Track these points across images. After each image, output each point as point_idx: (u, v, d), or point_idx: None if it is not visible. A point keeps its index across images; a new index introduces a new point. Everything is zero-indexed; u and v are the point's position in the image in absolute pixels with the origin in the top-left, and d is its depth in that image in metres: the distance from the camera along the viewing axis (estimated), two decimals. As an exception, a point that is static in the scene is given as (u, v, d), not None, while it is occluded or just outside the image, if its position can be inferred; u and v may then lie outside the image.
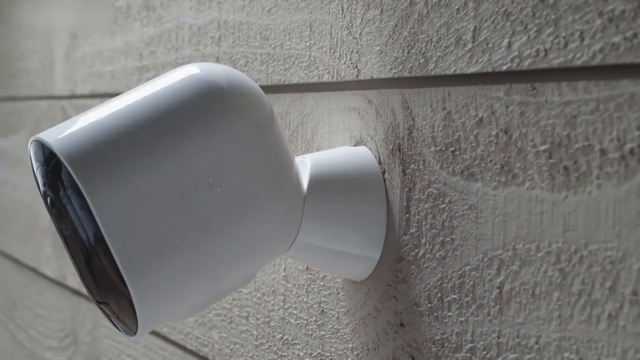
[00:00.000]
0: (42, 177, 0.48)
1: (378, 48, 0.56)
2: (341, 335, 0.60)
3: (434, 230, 0.51)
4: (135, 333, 0.48)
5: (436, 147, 0.51)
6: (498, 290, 0.47)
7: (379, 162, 0.56)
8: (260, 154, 0.49)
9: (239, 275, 0.51)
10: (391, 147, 0.55)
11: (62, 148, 0.46)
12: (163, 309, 0.48)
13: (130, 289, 0.46)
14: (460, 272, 0.49)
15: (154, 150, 0.47)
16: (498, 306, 0.47)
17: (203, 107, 0.48)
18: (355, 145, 0.59)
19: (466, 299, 0.49)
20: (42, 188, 0.48)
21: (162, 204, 0.46)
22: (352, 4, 0.59)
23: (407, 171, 0.54)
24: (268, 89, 0.70)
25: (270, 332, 0.69)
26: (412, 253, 0.53)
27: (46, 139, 0.47)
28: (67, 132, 0.48)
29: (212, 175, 0.48)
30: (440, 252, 0.51)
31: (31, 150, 0.49)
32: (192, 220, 0.47)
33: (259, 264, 0.51)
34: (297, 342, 0.65)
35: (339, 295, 0.60)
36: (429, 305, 0.52)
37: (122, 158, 0.47)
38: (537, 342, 0.44)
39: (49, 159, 0.48)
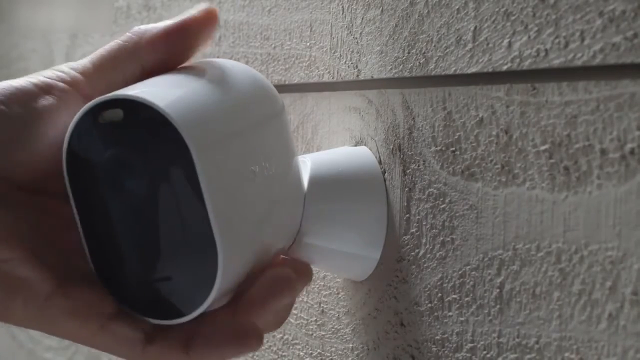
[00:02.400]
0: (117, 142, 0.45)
1: (378, 48, 0.56)
2: (341, 335, 0.60)
3: (434, 230, 0.51)
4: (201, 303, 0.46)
5: (436, 147, 0.51)
6: (498, 290, 0.47)
7: (379, 162, 0.56)
8: (280, 144, 0.51)
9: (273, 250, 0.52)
10: (391, 147, 0.55)
11: (178, 116, 0.44)
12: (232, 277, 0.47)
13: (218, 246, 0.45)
14: (460, 272, 0.49)
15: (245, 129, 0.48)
16: (498, 306, 0.47)
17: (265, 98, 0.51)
18: (356, 145, 0.59)
19: (466, 299, 0.49)
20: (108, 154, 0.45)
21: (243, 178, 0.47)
22: (352, 4, 0.59)
23: (408, 171, 0.54)
24: (268, 89, 0.70)
25: (270, 332, 0.69)
26: (413, 253, 0.53)
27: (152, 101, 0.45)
28: (172, 97, 0.46)
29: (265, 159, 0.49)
30: (440, 252, 0.51)
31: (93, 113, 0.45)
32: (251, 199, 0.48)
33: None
34: (297, 342, 0.65)
35: (339, 295, 0.60)
36: (429, 305, 0.52)
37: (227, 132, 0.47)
38: (537, 342, 0.44)
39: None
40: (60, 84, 0.48)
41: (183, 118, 0.44)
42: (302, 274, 0.52)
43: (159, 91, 0.46)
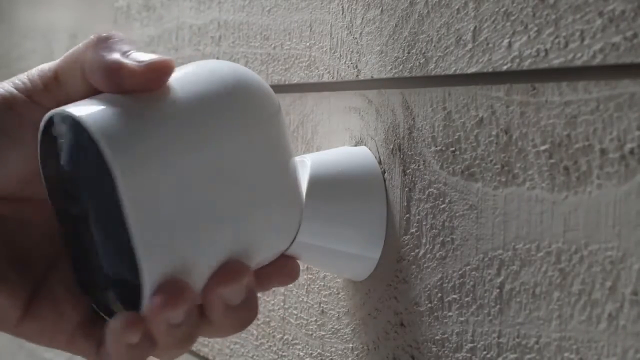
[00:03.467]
0: (70, 153, 0.48)
1: (378, 48, 0.56)
2: (341, 335, 0.60)
3: (434, 230, 0.51)
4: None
5: (436, 147, 0.51)
6: (498, 290, 0.47)
7: (379, 162, 0.56)
8: (266, 149, 0.49)
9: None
10: (391, 147, 0.55)
11: (96, 126, 0.46)
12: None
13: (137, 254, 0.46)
14: (460, 272, 0.49)
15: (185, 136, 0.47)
16: (498, 306, 0.47)
17: (233, 98, 0.49)
18: (356, 145, 0.59)
19: (466, 299, 0.49)
20: (67, 166, 0.48)
21: (181, 187, 0.47)
22: (352, 4, 0.59)
23: (408, 171, 0.54)
24: (268, 89, 0.70)
25: (270, 332, 0.69)
26: (413, 253, 0.53)
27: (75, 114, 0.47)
28: (90, 107, 0.47)
29: (224, 166, 0.48)
30: (440, 252, 0.51)
31: (53, 126, 0.48)
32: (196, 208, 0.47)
33: (255, 263, 0.51)
34: (297, 342, 0.65)
35: (339, 295, 0.60)
36: (429, 305, 0.52)
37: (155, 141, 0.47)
38: (537, 342, 0.44)
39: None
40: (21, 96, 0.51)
41: (104, 133, 0.46)
42: (286, 269, 0.52)
43: (96, 108, 0.47)
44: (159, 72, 0.48)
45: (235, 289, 0.48)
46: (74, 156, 0.48)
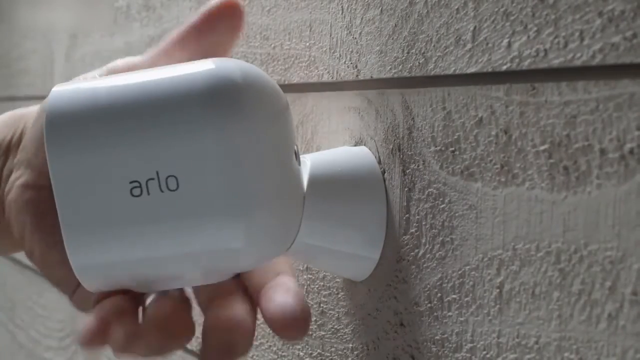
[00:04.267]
0: None
1: (378, 48, 0.56)
2: (341, 335, 0.60)
3: (433, 230, 0.51)
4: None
5: (436, 147, 0.51)
6: (498, 290, 0.47)
7: (379, 162, 0.56)
8: (269, 152, 0.49)
9: (188, 275, 0.51)
10: (391, 147, 0.55)
11: (51, 103, 0.48)
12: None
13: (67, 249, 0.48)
14: (460, 272, 0.49)
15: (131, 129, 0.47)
16: (498, 306, 0.47)
17: (213, 100, 0.48)
18: (355, 145, 0.59)
19: (466, 299, 0.49)
20: None
21: (117, 182, 0.47)
22: (351, 4, 0.59)
23: (407, 171, 0.54)
24: (268, 89, 0.70)
25: (270, 332, 0.69)
26: (412, 253, 0.53)
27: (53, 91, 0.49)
28: (65, 88, 0.49)
29: (174, 170, 0.47)
30: (440, 252, 0.51)
31: None
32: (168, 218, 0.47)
33: (252, 264, 0.51)
34: (297, 342, 0.65)
35: (339, 296, 0.60)
36: (429, 305, 0.52)
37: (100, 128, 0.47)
38: (537, 342, 0.44)
39: None
40: None
41: (55, 116, 0.48)
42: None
43: (68, 93, 0.49)
44: (232, 3, 0.49)
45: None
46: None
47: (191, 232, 0.47)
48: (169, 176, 0.47)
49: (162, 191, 0.47)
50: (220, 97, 0.47)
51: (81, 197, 0.47)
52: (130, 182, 0.47)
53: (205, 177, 0.47)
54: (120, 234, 0.47)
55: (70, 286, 0.53)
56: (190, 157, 0.47)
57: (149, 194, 0.47)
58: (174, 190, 0.47)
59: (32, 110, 0.57)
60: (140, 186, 0.47)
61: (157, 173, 0.47)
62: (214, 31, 0.50)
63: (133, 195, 0.47)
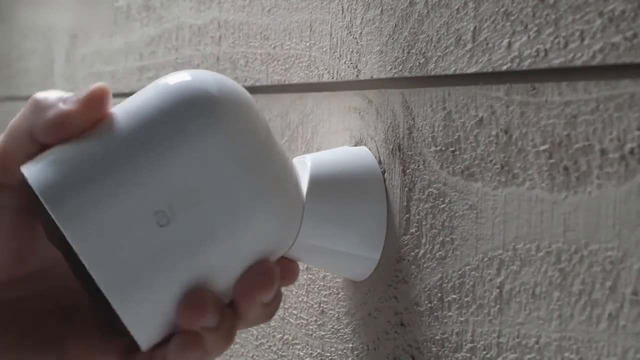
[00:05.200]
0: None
1: (378, 48, 0.56)
2: (341, 335, 0.60)
3: (434, 230, 0.51)
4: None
5: (436, 147, 0.51)
6: (498, 290, 0.47)
7: (379, 162, 0.56)
8: (251, 161, 0.48)
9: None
10: (391, 147, 0.55)
11: (35, 179, 0.47)
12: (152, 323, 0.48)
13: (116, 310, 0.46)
14: (460, 272, 0.49)
15: (133, 168, 0.47)
16: (498, 306, 0.47)
17: (190, 119, 0.48)
18: (356, 145, 0.59)
19: (466, 299, 0.49)
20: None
21: (137, 221, 0.46)
22: (352, 4, 0.59)
23: (407, 171, 0.54)
24: (268, 89, 0.70)
25: (270, 332, 0.69)
26: (412, 253, 0.53)
27: (24, 171, 0.47)
28: (41, 163, 0.48)
29: (192, 190, 0.47)
30: (440, 252, 0.51)
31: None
32: (187, 232, 0.47)
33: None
34: (297, 342, 0.65)
35: (339, 295, 0.60)
36: (429, 305, 0.52)
37: (97, 182, 0.46)
38: (537, 342, 0.44)
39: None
40: None
41: (43, 186, 0.46)
42: (287, 272, 0.53)
43: (41, 164, 0.48)
44: (95, 100, 0.49)
45: (271, 292, 0.49)
46: (42, 210, 0.49)
47: (229, 232, 0.47)
48: (189, 191, 0.47)
49: (187, 209, 0.47)
50: (198, 106, 0.48)
51: (112, 254, 0.46)
52: (155, 214, 0.47)
53: (220, 179, 0.47)
54: (165, 269, 0.47)
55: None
56: (199, 168, 0.47)
57: (175, 217, 0.47)
58: (198, 203, 0.47)
59: None
60: (165, 214, 0.47)
61: (177, 195, 0.47)
62: (72, 127, 0.50)
63: (161, 226, 0.46)
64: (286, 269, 0.53)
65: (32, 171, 0.47)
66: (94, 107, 0.49)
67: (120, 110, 0.49)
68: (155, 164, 0.47)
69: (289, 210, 0.51)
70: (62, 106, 0.49)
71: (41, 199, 0.46)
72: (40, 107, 0.50)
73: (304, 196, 0.53)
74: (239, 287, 0.49)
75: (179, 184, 0.46)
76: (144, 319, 0.47)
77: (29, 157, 0.49)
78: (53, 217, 0.46)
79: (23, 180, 0.49)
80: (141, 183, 0.46)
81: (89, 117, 0.49)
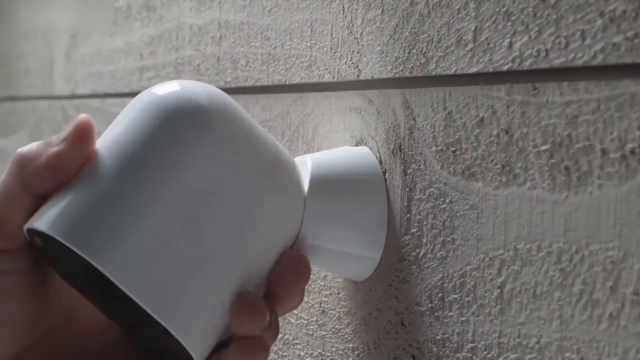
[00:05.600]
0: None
1: (379, 48, 0.56)
2: (342, 335, 0.60)
3: (435, 230, 0.51)
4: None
5: (437, 147, 0.51)
6: (499, 290, 0.47)
7: (380, 162, 0.56)
8: (252, 165, 0.49)
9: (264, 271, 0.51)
10: (392, 147, 0.55)
11: (52, 228, 0.46)
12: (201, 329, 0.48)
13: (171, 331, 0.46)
14: (461, 272, 0.49)
15: (143, 194, 0.47)
16: (499, 306, 0.47)
17: (182, 131, 0.48)
18: (356, 145, 0.59)
19: (467, 299, 0.49)
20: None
21: (168, 239, 0.46)
22: (353, 4, 0.59)
23: (408, 171, 0.54)
24: (269, 89, 0.70)
25: (271, 332, 0.69)
26: (413, 253, 0.53)
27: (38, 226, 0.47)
28: (48, 211, 0.47)
29: (207, 194, 0.47)
30: (441, 252, 0.51)
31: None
32: (199, 243, 0.47)
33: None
34: (297, 342, 0.65)
35: (340, 295, 0.60)
36: (430, 305, 0.52)
37: (116, 217, 0.46)
38: (538, 342, 0.44)
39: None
40: None
41: (63, 232, 0.46)
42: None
43: (50, 214, 0.47)
44: (82, 132, 0.48)
45: (308, 279, 0.50)
46: (61, 256, 0.48)
47: (251, 226, 0.48)
48: (206, 194, 0.47)
49: (209, 211, 0.47)
50: (190, 118, 0.48)
51: (152, 278, 0.46)
52: (181, 226, 0.46)
53: (227, 177, 0.48)
54: (205, 276, 0.47)
55: None
56: (204, 175, 0.47)
57: (200, 222, 0.47)
58: (217, 203, 0.47)
59: None
60: (191, 222, 0.47)
61: (196, 200, 0.47)
62: (64, 168, 0.49)
63: (190, 236, 0.47)
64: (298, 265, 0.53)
65: (44, 223, 0.47)
66: (83, 140, 0.48)
67: (111, 139, 0.48)
68: (167, 180, 0.47)
69: (288, 212, 0.51)
70: (50, 149, 0.48)
71: (69, 245, 0.46)
72: (27, 159, 0.49)
73: (305, 196, 0.53)
74: (279, 280, 0.50)
75: (195, 190, 0.47)
76: (195, 331, 0.47)
77: (28, 214, 0.49)
78: (87, 258, 0.45)
79: (26, 241, 0.49)
80: (160, 203, 0.47)
81: (80, 153, 0.48)
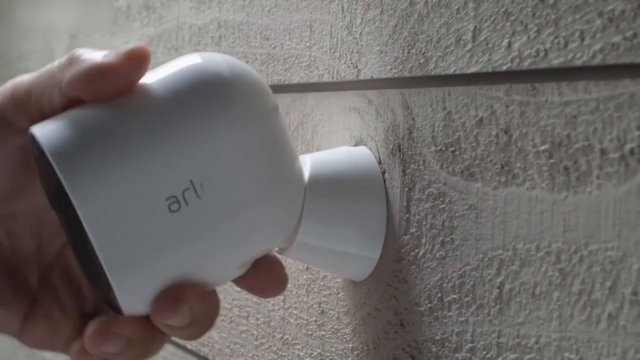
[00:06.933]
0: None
1: (378, 48, 0.56)
2: (341, 335, 0.60)
3: (434, 230, 0.51)
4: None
5: (436, 147, 0.51)
6: (498, 290, 0.47)
7: (379, 162, 0.56)
8: (263, 147, 0.49)
9: (228, 271, 0.50)
10: (391, 147, 0.55)
11: (49, 142, 0.46)
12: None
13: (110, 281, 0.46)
14: (460, 272, 0.49)
15: (144, 146, 0.46)
16: (498, 306, 0.47)
17: (203, 99, 0.47)
18: (356, 145, 0.59)
19: (466, 299, 0.49)
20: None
21: (150, 202, 0.46)
22: (352, 4, 0.59)
23: (407, 171, 0.54)
24: (268, 89, 0.70)
25: (270, 332, 0.69)
26: (412, 253, 0.53)
27: (35, 132, 0.47)
28: (54, 125, 0.47)
29: (204, 174, 0.47)
30: (440, 252, 0.51)
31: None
32: (185, 220, 0.47)
33: (250, 259, 0.51)
34: (297, 342, 0.65)
35: (339, 295, 0.60)
36: (429, 305, 0.52)
37: (108, 155, 0.46)
38: (537, 342, 0.44)
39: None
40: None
41: (60, 155, 0.46)
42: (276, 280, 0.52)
43: (55, 127, 0.47)
44: (136, 61, 0.47)
45: (179, 316, 0.48)
46: (47, 172, 0.48)
47: (235, 225, 0.48)
48: (202, 181, 0.47)
49: (199, 197, 0.47)
50: (208, 92, 0.48)
51: (118, 231, 0.46)
52: (167, 199, 0.46)
53: (232, 165, 0.47)
54: (167, 253, 0.47)
55: (15, 326, 0.52)
56: (212, 155, 0.47)
57: (187, 204, 0.47)
58: (212, 191, 0.47)
59: None
60: (177, 200, 0.47)
61: (191, 182, 0.46)
62: (107, 80, 0.49)
63: (172, 211, 0.46)
64: (277, 277, 0.52)
65: (45, 132, 0.46)
66: (131, 68, 0.47)
67: (147, 84, 0.48)
68: (173, 149, 0.46)
69: (287, 209, 0.51)
70: (97, 59, 0.47)
71: (52, 162, 0.45)
72: (75, 60, 0.48)
73: (304, 196, 0.53)
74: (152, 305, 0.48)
75: (195, 170, 0.46)
76: (137, 298, 0.47)
77: (52, 108, 0.48)
78: (62, 180, 0.45)
79: (31, 137, 0.48)
80: (157, 167, 0.46)
81: (124, 79, 0.47)
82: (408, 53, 0.53)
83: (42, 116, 0.49)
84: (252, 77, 0.49)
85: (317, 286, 0.63)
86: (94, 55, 0.48)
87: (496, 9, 0.47)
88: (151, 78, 0.48)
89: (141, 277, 0.47)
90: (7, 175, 0.50)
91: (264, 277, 0.51)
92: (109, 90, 0.47)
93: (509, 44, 0.46)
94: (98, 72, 0.47)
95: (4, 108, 0.50)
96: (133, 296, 0.47)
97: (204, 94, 0.47)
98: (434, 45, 0.51)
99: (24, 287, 0.52)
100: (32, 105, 0.49)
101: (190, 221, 0.46)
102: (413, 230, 0.53)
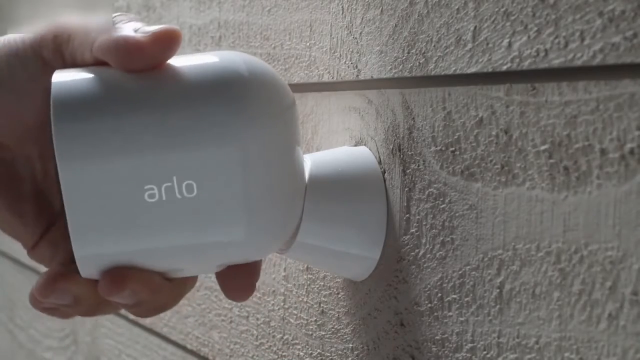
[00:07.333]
0: None
1: (378, 48, 0.56)
2: (341, 335, 0.60)
3: (434, 230, 0.51)
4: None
5: (436, 147, 0.51)
6: (498, 290, 0.47)
7: (379, 162, 0.56)
8: (278, 149, 0.49)
9: (192, 271, 0.51)
10: (391, 147, 0.55)
11: (58, 91, 0.47)
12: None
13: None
14: (460, 272, 0.49)
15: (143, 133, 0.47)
16: (498, 306, 0.47)
17: (221, 95, 0.47)
18: (356, 145, 0.59)
19: (466, 299, 0.49)
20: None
21: (131, 187, 0.46)
22: (352, 4, 0.59)
23: (408, 171, 0.54)
24: (268, 89, 0.69)
25: (271, 332, 0.69)
26: (412, 253, 0.53)
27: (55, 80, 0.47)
28: (73, 77, 0.48)
29: (194, 177, 0.47)
30: (440, 252, 0.51)
31: None
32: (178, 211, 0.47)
33: (243, 259, 0.51)
34: (297, 342, 0.65)
35: (339, 295, 0.60)
36: (429, 305, 0.52)
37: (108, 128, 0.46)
38: (537, 342, 0.44)
39: None
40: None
41: (61, 107, 0.46)
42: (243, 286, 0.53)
43: (72, 79, 0.48)
44: (165, 42, 0.48)
45: (120, 297, 0.49)
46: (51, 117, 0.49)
47: (202, 231, 0.48)
48: (186, 182, 0.47)
49: (179, 196, 0.47)
50: (226, 91, 0.48)
51: (92, 198, 0.46)
52: (146, 187, 0.47)
53: (217, 180, 0.47)
54: (130, 233, 0.47)
55: (29, 243, 0.53)
56: (204, 159, 0.47)
57: (164, 198, 0.47)
58: (191, 195, 0.47)
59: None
60: (156, 191, 0.47)
61: (175, 179, 0.47)
62: (135, 57, 0.49)
63: (148, 199, 0.47)
64: (243, 285, 0.52)
65: (61, 79, 0.47)
66: (159, 49, 0.48)
67: (174, 69, 0.48)
68: (171, 144, 0.47)
69: (287, 209, 0.51)
70: (128, 33, 0.48)
71: (52, 110, 0.46)
72: (109, 26, 0.49)
73: (304, 196, 0.53)
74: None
75: (184, 169, 0.47)
76: (92, 264, 0.48)
77: (83, 61, 0.49)
78: (52, 129, 0.46)
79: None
80: (150, 153, 0.47)
81: (152, 57, 0.47)
82: (408, 53, 0.53)
83: (74, 63, 0.50)
84: (269, 73, 0.49)
85: (317, 286, 0.63)
86: (127, 26, 0.49)
87: (496, 9, 0.47)
88: (181, 61, 0.49)
89: (100, 248, 0.47)
90: (44, 106, 0.50)
91: (231, 281, 0.52)
92: (133, 65, 0.48)
93: (509, 44, 0.46)
94: (125, 48, 0.48)
95: (45, 44, 0.51)
96: (90, 262, 0.48)
97: (219, 95, 0.48)
98: (434, 45, 0.51)
99: (46, 211, 0.53)
100: (68, 52, 0.50)
101: (160, 214, 0.47)
102: (413, 231, 0.53)
